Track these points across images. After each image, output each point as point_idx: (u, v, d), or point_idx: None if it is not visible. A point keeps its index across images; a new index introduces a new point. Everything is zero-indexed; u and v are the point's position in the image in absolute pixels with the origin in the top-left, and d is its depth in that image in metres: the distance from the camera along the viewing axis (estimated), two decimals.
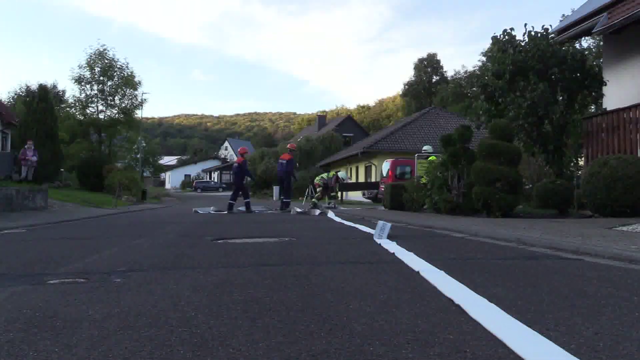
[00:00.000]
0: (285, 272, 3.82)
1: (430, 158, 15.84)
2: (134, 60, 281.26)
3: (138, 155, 49.16)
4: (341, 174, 20.68)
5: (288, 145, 18.46)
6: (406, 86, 77.27)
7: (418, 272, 3.67)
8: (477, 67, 59.21)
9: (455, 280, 3.30)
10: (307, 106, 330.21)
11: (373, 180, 32.50)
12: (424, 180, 13.43)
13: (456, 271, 3.72)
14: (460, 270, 3.79)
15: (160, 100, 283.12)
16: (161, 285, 3.32)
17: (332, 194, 19.26)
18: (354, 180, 37.44)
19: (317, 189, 19.07)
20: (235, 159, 22.37)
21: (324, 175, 19.87)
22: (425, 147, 16.97)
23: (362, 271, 3.84)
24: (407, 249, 5.00)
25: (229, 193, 20.93)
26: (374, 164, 33.51)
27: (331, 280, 3.46)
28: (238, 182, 16.55)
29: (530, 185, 14.13)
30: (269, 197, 40.81)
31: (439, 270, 3.68)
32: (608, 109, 11.55)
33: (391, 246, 5.34)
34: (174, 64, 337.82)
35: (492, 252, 5.06)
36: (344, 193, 29.71)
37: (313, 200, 18.88)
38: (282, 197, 16.96)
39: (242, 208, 16.29)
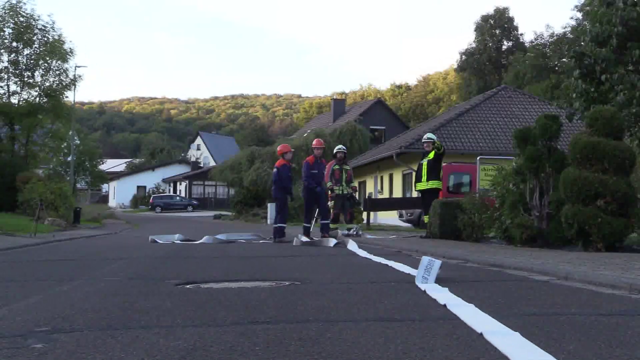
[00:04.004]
0: (286, 333, 3.84)
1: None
2: (63, 19, 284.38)
3: (69, 159, 49.56)
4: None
5: (314, 143, 17.23)
6: (464, 56, 77.37)
7: (481, 335, 3.67)
8: (569, 29, 59.25)
9: (537, 347, 3.29)
10: (318, 86, 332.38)
11: (414, 195, 32.46)
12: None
13: (538, 333, 3.72)
14: (544, 332, 3.79)
15: (102, 77, 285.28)
16: (102, 354, 3.33)
17: (351, 201, 18.19)
18: (386, 194, 37.44)
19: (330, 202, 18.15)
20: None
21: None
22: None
23: (399, 333, 3.84)
24: (465, 300, 5.00)
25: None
26: (415, 171, 33.52)
27: (353, 345, 3.47)
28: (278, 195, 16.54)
29: None
30: (261, 219, 40.92)
31: (512, 332, 3.67)
32: None
33: (441, 295, 5.33)
34: (124, 24, 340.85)
35: (591, 305, 5.05)
36: (372, 214, 29.67)
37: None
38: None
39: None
